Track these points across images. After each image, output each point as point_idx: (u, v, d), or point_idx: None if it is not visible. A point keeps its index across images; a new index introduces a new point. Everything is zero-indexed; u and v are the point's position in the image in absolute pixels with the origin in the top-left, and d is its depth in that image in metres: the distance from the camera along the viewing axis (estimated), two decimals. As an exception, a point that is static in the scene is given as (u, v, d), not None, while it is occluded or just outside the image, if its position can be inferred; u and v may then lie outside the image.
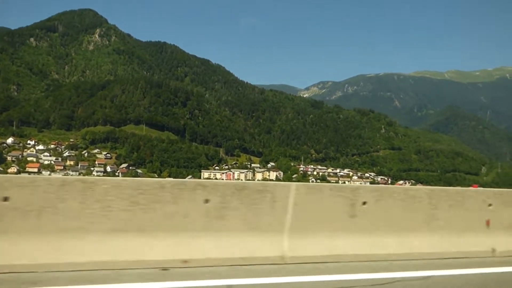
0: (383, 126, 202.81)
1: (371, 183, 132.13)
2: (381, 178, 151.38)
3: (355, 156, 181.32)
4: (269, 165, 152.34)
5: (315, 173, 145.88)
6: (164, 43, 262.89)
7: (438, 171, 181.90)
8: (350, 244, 5.22)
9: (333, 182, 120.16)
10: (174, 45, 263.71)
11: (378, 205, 5.44)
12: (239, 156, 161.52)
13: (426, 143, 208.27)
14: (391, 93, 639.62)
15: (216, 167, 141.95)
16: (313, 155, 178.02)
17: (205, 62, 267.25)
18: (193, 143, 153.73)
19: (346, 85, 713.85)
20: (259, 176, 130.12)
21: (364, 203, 5.34)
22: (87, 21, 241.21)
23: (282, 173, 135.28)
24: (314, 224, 5.13)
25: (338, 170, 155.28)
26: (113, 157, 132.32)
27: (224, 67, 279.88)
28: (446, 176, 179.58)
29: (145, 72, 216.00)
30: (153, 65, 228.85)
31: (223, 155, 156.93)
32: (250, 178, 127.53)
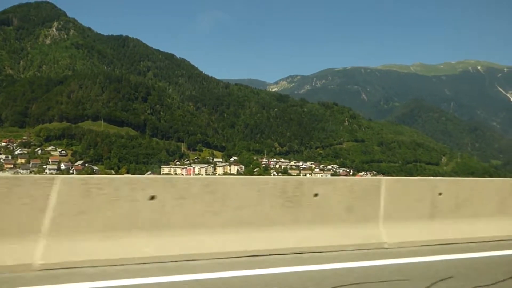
0: (346, 119, 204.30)
1: (332, 175, 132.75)
2: (343, 170, 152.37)
3: (318, 149, 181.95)
4: (231, 159, 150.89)
5: (277, 166, 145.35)
6: (127, 36, 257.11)
7: (400, 162, 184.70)
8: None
9: (294, 175, 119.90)
10: (136, 39, 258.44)
11: None
12: (201, 151, 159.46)
13: (388, 135, 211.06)
14: (358, 87, 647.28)
15: (177, 162, 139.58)
16: (277, 149, 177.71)
17: (169, 57, 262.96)
18: (154, 139, 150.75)
19: (315, 78, 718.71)
20: (220, 170, 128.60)
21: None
22: (44, 14, 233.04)
23: (243, 167, 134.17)
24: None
25: (301, 163, 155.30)
26: (69, 154, 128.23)
27: (188, 62, 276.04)
28: (407, 167, 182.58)
29: (105, 67, 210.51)
30: (114, 60, 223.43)
31: (185, 150, 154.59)
32: (211, 173, 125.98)
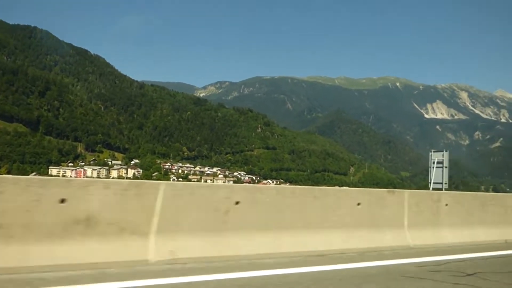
0: (259, 126, 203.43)
1: (235, 182, 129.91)
2: (248, 177, 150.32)
3: (228, 155, 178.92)
4: (132, 162, 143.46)
5: (180, 171, 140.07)
6: (35, 27, 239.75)
7: (308, 170, 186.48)
8: None
9: (194, 181, 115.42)
10: (46, 30, 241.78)
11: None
12: (101, 152, 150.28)
13: (300, 143, 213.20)
14: (284, 96, 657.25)
15: (70, 164, 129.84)
16: (185, 153, 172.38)
17: (82, 52, 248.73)
18: (47, 137, 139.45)
19: (243, 86, 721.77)
20: (114, 173, 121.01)
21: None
22: None
23: (141, 171, 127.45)
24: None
25: (206, 169, 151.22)
26: None
27: (104, 59, 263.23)
28: (315, 176, 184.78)
29: (5, 58, 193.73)
30: (16, 51, 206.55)
31: (82, 151, 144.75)
32: (105, 176, 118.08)
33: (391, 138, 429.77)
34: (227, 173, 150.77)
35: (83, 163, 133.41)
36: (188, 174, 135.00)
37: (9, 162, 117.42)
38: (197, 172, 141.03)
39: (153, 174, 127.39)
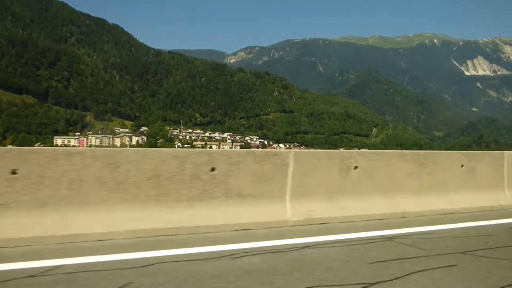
0: (276, 89, 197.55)
1: (241, 147, 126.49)
2: (259, 142, 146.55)
3: (242, 120, 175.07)
4: (141, 129, 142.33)
5: (187, 137, 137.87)
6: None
7: (326, 133, 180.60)
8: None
9: (199, 147, 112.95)
10: (62, 2, 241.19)
11: None
12: (111, 120, 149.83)
13: (320, 106, 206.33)
14: (315, 58, 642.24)
15: (77, 133, 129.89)
16: (198, 119, 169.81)
17: (100, 22, 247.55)
18: (54, 108, 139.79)
19: (273, 50, 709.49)
20: (117, 141, 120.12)
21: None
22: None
23: (145, 138, 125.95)
24: None
25: (216, 134, 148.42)
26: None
27: (122, 28, 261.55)
28: (333, 138, 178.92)
29: (20, 31, 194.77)
30: (32, 24, 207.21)
31: (92, 120, 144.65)
32: (108, 144, 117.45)
33: (425, 97, 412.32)
34: (237, 138, 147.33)
35: (91, 132, 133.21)
36: (194, 140, 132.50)
37: (15, 133, 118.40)
38: (205, 138, 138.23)
39: (158, 141, 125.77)
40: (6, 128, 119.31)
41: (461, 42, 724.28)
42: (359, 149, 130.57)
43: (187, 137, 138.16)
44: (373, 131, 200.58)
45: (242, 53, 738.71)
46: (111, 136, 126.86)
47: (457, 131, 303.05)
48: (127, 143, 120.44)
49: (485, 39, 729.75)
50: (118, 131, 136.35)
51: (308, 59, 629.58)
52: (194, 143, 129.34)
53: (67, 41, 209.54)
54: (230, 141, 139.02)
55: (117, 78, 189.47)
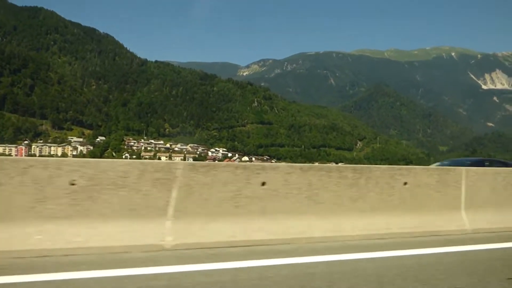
0: (256, 100, 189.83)
1: (194, 159, 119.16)
2: (222, 154, 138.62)
3: (214, 131, 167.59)
4: (98, 139, 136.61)
5: (142, 148, 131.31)
6: (41, 8, 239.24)
7: (302, 146, 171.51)
8: None
9: (146, 158, 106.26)
10: (51, 11, 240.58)
11: None
12: (71, 129, 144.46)
13: (303, 118, 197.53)
14: (327, 71, 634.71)
15: (25, 141, 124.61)
16: (167, 130, 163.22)
17: (89, 31, 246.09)
18: (7, 114, 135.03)
19: (286, 63, 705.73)
20: (56, 150, 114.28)
21: None
22: None
23: (91, 147, 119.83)
24: None
25: (178, 145, 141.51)
26: None
27: (113, 37, 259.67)
28: (310, 152, 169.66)
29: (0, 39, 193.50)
30: (14, 31, 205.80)
31: (48, 128, 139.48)
32: (48, 153, 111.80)
33: (433, 111, 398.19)
34: (199, 149, 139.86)
35: (41, 141, 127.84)
36: (140, 151, 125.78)
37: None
38: (149, 148, 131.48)
39: (106, 152, 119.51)
40: None
41: (479, 56, 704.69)
42: (336, 163, 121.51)
43: (142, 148, 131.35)
44: (358, 144, 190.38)
45: (256, 66, 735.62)
46: (54, 145, 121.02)
47: (461, 146, 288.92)
48: (69, 153, 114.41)
49: (504, 52, 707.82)
50: (71, 140, 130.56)
51: (320, 72, 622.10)
52: (142, 153, 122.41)
53: (48, 49, 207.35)
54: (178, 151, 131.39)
55: (94, 86, 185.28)
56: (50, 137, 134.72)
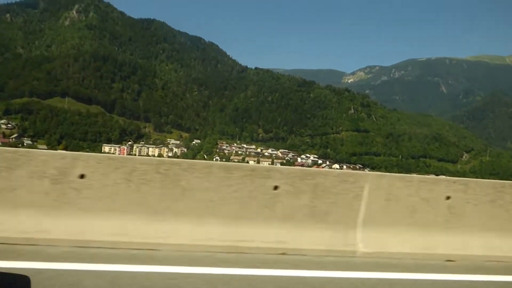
0: (352, 107, 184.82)
1: (282, 164, 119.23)
2: (312, 161, 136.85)
3: (306, 137, 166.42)
4: (193, 142, 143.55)
5: (234, 152, 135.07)
6: (153, 20, 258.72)
7: (400, 156, 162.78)
8: None
9: (235, 161, 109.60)
10: (162, 21, 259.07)
11: None
12: (170, 132, 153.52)
13: (403, 126, 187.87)
14: (439, 78, 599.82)
15: (129, 142, 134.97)
16: (260, 135, 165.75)
17: (195, 40, 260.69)
18: (115, 117, 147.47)
19: (393, 69, 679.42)
20: (154, 151, 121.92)
21: None
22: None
23: (185, 149, 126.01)
24: None
25: (269, 150, 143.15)
26: (16, 128, 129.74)
27: (217, 46, 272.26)
28: (408, 162, 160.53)
29: (116, 48, 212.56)
30: (129, 42, 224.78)
31: (150, 131, 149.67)
32: (146, 154, 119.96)
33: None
34: (290, 155, 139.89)
35: (143, 142, 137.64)
36: (231, 155, 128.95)
37: (70, 139, 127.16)
38: (240, 152, 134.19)
39: (198, 154, 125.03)
40: (63, 135, 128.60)
41: None
42: (436, 175, 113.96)
43: (233, 152, 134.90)
44: (464, 156, 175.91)
45: (361, 73, 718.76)
46: (152, 146, 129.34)
47: None
48: (165, 154, 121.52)
49: None
50: (169, 142, 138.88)
51: (430, 79, 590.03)
52: (232, 157, 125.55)
53: (157, 57, 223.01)
54: (275, 156, 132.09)
55: (195, 92, 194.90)
56: (151, 139, 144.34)
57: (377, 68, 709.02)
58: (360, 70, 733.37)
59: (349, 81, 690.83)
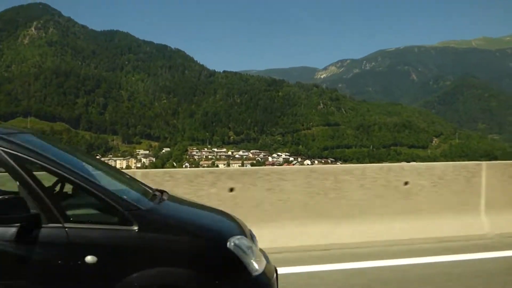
0: (321, 101, 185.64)
1: (252, 164, 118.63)
2: (283, 159, 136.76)
3: (277, 136, 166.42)
4: (163, 150, 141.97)
5: (203, 157, 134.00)
6: (117, 31, 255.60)
7: (371, 146, 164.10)
8: None
9: (204, 166, 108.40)
10: (126, 32, 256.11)
11: None
12: (139, 143, 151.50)
13: (373, 117, 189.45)
14: (409, 67, 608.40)
15: (97, 156, 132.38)
16: (231, 137, 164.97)
17: (161, 48, 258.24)
18: (82, 132, 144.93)
19: (364, 61, 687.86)
20: (122, 163, 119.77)
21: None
22: (34, 14, 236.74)
23: (154, 159, 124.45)
24: None
25: (240, 152, 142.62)
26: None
27: (184, 52, 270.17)
28: (379, 152, 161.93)
29: (79, 63, 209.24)
30: (92, 55, 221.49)
31: (118, 143, 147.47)
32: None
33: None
34: (261, 155, 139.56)
35: (111, 155, 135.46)
36: (200, 160, 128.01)
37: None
38: (210, 157, 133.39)
39: (167, 162, 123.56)
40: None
41: None
42: (407, 162, 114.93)
43: (203, 157, 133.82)
44: (434, 141, 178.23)
45: (333, 68, 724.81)
46: (120, 159, 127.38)
47: None
48: (133, 165, 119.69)
49: None
50: (138, 153, 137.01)
51: (401, 68, 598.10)
52: (202, 162, 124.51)
53: (123, 68, 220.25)
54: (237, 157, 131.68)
55: (164, 100, 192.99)
56: (120, 151, 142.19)
57: (348, 61, 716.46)
58: (332, 64, 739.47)
59: (322, 76, 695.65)
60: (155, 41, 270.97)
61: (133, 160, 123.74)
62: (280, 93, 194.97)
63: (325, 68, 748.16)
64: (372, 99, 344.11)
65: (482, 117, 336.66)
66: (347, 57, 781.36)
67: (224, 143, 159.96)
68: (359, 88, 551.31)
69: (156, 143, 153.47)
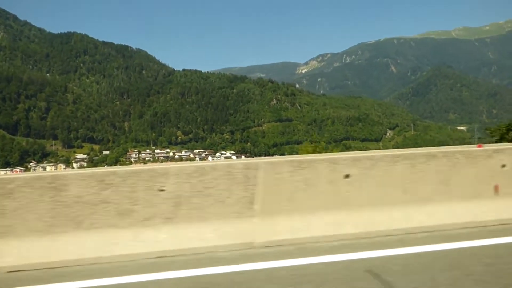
0: (274, 98, 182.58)
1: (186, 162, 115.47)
2: (224, 157, 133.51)
3: (226, 134, 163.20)
4: (104, 152, 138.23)
5: (146, 158, 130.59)
6: (74, 33, 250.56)
7: (320, 141, 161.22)
8: None
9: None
10: (84, 34, 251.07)
11: None
12: (81, 147, 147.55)
13: (327, 110, 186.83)
14: (388, 59, 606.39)
15: (31, 163, 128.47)
16: (179, 137, 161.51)
17: (121, 48, 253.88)
18: (17, 139, 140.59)
19: (344, 55, 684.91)
20: (51, 169, 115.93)
21: None
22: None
23: (85, 164, 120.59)
24: None
25: (182, 152, 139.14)
26: None
27: (145, 52, 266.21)
28: (330, 146, 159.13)
29: (30, 67, 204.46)
30: (46, 58, 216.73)
31: (58, 148, 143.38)
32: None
33: (499, 89, 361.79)
34: (203, 154, 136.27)
35: (46, 162, 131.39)
36: (137, 162, 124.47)
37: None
38: (147, 159, 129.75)
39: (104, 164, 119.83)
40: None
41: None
42: None
43: (141, 159, 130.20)
44: (388, 134, 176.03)
45: (314, 62, 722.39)
46: (49, 165, 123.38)
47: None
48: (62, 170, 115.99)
49: None
50: (74, 158, 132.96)
51: (380, 61, 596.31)
52: (138, 162, 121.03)
53: (77, 71, 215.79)
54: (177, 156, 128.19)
55: (118, 102, 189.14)
56: (59, 156, 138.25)
57: (329, 55, 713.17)
58: (313, 59, 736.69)
59: (303, 71, 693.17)
60: (116, 42, 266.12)
61: (62, 166, 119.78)
62: (234, 90, 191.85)
63: (306, 63, 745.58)
64: (350, 93, 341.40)
65: (453, 107, 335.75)
66: (328, 51, 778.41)
67: (171, 143, 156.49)
68: (339, 81, 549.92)
69: (98, 146, 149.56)
